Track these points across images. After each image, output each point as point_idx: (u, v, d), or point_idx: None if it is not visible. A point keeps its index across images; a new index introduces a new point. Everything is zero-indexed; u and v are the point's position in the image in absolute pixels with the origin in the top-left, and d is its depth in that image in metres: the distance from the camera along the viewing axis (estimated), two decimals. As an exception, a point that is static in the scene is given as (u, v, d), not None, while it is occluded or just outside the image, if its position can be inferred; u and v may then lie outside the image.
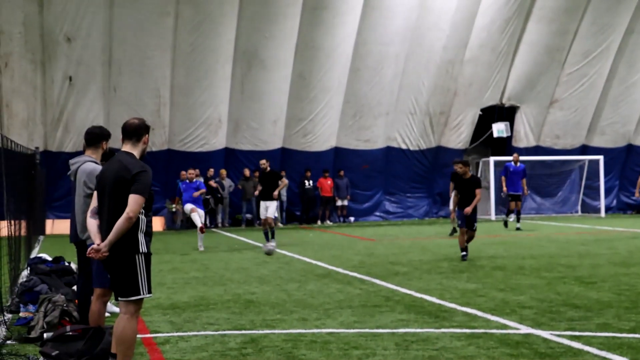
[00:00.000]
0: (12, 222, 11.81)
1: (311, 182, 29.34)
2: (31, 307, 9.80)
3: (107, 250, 6.33)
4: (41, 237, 23.97)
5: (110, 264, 6.45)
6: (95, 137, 8.41)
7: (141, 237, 6.43)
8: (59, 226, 25.20)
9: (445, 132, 31.02)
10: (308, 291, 11.82)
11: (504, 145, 32.30)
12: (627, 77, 32.06)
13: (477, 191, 15.80)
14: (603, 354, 7.32)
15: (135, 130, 6.62)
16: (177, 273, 14.56)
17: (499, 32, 29.80)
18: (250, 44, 27.24)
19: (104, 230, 6.46)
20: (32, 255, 16.37)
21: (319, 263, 15.75)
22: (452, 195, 19.03)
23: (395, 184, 30.90)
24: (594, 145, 32.76)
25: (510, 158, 26.27)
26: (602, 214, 31.53)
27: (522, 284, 12.19)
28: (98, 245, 6.37)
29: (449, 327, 8.82)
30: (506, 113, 31.80)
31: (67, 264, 12.67)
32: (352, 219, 30.40)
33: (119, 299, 6.49)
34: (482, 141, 32.01)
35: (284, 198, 28.71)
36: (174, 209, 26.84)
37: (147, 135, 6.68)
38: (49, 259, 13.31)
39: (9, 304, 10.49)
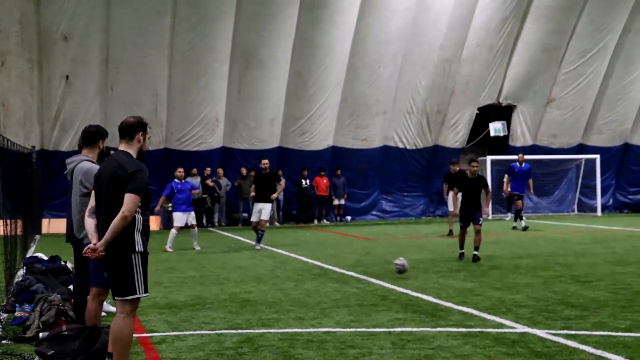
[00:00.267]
0: (8, 221, 11.81)
1: (308, 181, 29.30)
2: (27, 307, 9.79)
3: (103, 250, 6.33)
4: (37, 237, 23.91)
5: (106, 263, 6.44)
6: (92, 136, 8.39)
7: (137, 236, 6.42)
8: (55, 225, 25.15)
9: (442, 131, 31.00)
10: (304, 290, 11.82)
11: (501, 144, 32.33)
12: (624, 76, 32.11)
13: (488, 189, 15.90)
14: (599, 352, 7.33)
15: (128, 129, 6.60)
16: (173, 272, 14.55)
17: (496, 31, 29.82)
18: (247, 42, 27.18)
19: (101, 230, 6.46)
20: (28, 254, 16.35)
21: (316, 262, 15.75)
22: (451, 195, 18.71)
23: (392, 183, 30.88)
24: (591, 144, 32.80)
25: (508, 157, 26.26)
26: (599, 213, 31.56)
27: (519, 283, 12.20)
28: (94, 244, 6.38)
29: (445, 326, 8.82)
30: (503, 112, 31.82)
31: (63, 263, 12.66)
32: (349, 218, 30.38)
33: (116, 298, 6.48)
34: (479, 140, 32.02)
35: (281, 197, 28.66)
36: (169, 209, 26.77)
37: (142, 133, 6.63)
38: (45, 258, 13.31)
39: (4, 303, 10.48)
